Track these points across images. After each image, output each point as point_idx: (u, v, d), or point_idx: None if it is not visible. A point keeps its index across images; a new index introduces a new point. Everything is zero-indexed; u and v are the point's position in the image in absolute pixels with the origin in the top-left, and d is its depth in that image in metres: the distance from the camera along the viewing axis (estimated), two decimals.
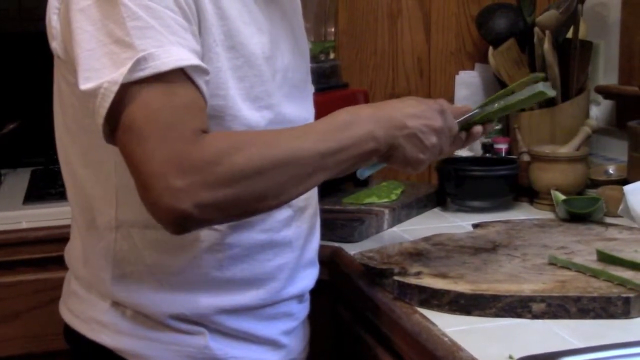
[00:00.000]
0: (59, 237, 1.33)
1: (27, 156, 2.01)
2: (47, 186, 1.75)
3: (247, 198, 0.88)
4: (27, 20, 2.11)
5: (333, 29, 1.91)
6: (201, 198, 0.85)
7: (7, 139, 1.90)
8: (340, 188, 1.66)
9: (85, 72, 0.88)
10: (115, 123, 0.87)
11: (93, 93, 0.87)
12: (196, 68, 0.90)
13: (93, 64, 0.87)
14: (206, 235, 1.02)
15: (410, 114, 1.00)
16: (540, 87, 1.15)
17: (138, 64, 0.86)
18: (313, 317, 1.23)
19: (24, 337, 1.53)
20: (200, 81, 0.90)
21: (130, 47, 0.86)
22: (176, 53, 0.88)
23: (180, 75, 0.88)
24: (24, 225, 1.55)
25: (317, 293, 1.22)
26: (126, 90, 0.86)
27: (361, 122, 0.97)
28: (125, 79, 0.85)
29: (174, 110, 0.87)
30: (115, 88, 0.85)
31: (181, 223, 0.87)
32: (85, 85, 0.87)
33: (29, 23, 2.10)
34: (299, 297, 1.15)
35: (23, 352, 1.53)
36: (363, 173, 1.05)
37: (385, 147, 0.98)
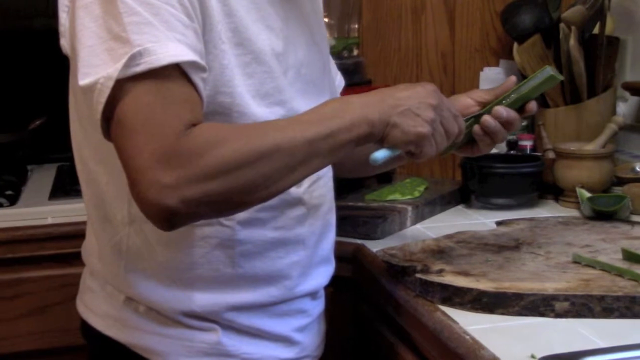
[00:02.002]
0: (84, 233, 1.35)
1: (53, 152, 2.03)
2: (72, 182, 1.75)
3: (234, 191, 0.87)
4: (54, 16, 2.13)
5: (357, 26, 1.91)
6: (187, 193, 0.84)
7: (33, 135, 1.92)
8: (363, 184, 1.66)
9: (84, 67, 0.88)
10: (110, 118, 0.88)
11: (90, 88, 0.88)
12: (192, 64, 0.89)
13: (92, 59, 0.88)
14: (217, 231, 1.02)
15: (403, 96, 0.98)
16: (549, 71, 1.14)
17: (133, 59, 0.86)
18: (334, 314, 1.23)
19: (50, 331, 1.54)
20: (196, 77, 0.90)
21: (127, 43, 0.86)
22: (172, 49, 0.88)
23: (176, 71, 0.88)
24: (50, 220, 1.57)
25: (339, 290, 1.22)
26: (121, 86, 0.86)
27: (351, 108, 0.95)
28: (120, 74, 0.86)
29: (165, 106, 0.87)
30: (111, 83, 0.86)
31: (168, 218, 0.86)
32: (83, 80, 0.88)
33: (56, 20, 2.12)
34: (312, 294, 1.15)
35: (48, 346, 1.55)
36: (375, 159, 1.00)
37: (380, 129, 0.96)
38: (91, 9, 0.89)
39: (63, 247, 1.52)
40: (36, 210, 1.59)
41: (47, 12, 2.12)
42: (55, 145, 2.03)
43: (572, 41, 1.66)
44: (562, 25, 1.70)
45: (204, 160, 0.85)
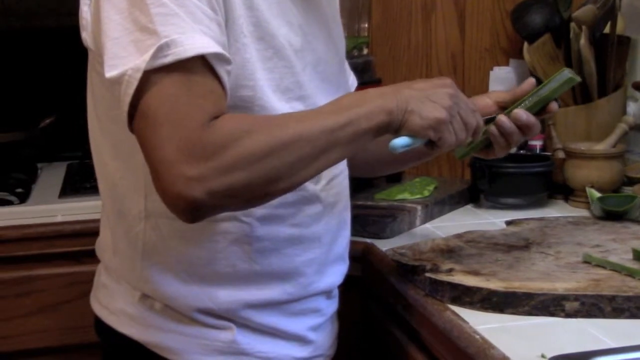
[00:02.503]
0: (94, 231, 1.35)
1: (63, 150, 2.04)
2: (82, 180, 1.77)
3: (258, 181, 0.88)
4: (63, 15, 2.14)
5: (366, 25, 1.91)
6: (212, 185, 0.85)
7: (43, 133, 1.93)
8: (372, 184, 1.66)
9: (110, 59, 0.89)
10: (135, 110, 0.88)
11: (118, 80, 0.88)
12: (217, 56, 0.90)
13: (119, 51, 0.88)
14: (234, 227, 1.03)
15: (419, 86, 0.99)
16: (567, 73, 1.14)
17: (161, 50, 0.86)
18: (344, 313, 1.23)
19: (60, 329, 1.55)
20: (220, 70, 0.90)
21: (154, 34, 0.87)
22: (199, 40, 0.88)
23: (201, 63, 0.89)
24: (60, 218, 1.58)
25: (348, 289, 1.22)
26: (148, 77, 0.87)
27: (369, 98, 0.96)
28: (148, 65, 0.86)
29: (190, 98, 0.87)
30: (139, 75, 0.86)
31: (193, 210, 0.87)
32: (110, 72, 0.88)
33: (65, 18, 2.13)
34: (327, 293, 1.15)
35: (59, 344, 1.55)
36: (394, 146, 0.99)
37: (398, 116, 0.96)
38: (115, 1, 0.90)
39: (73, 244, 1.53)
40: (46, 208, 1.60)
41: (58, 11, 2.13)
42: (65, 144, 2.04)
43: (583, 41, 1.66)
44: (572, 24, 1.69)
45: (228, 152, 0.85)
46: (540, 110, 1.14)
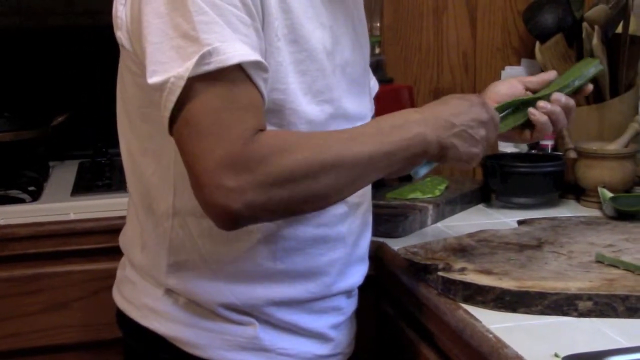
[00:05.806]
0: (107, 229, 1.35)
1: (75, 149, 2.04)
2: (94, 178, 1.77)
3: (296, 199, 0.90)
4: (76, 14, 2.15)
5: (378, 24, 1.91)
6: (252, 198, 0.87)
7: (55, 132, 1.93)
8: (384, 183, 1.66)
9: (152, 65, 0.90)
10: (176, 116, 0.89)
11: (160, 87, 0.89)
12: (256, 65, 0.91)
13: (160, 57, 0.89)
14: (262, 227, 1.03)
15: (457, 113, 1.02)
16: (599, 64, 1.22)
17: (203, 58, 0.87)
18: (357, 312, 1.23)
19: (74, 326, 1.55)
20: (258, 79, 0.92)
21: (196, 41, 0.88)
22: (240, 48, 0.89)
23: (241, 73, 0.90)
24: (72, 216, 1.58)
25: (361, 288, 1.22)
26: (191, 86, 0.88)
27: (410, 125, 0.98)
28: (191, 73, 0.87)
29: (232, 111, 0.88)
30: (182, 83, 0.87)
31: (231, 220, 0.89)
32: (152, 79, 0.89)
33: (78, 17, 2.14)
34: (347, 293, 1.16)
35: (73, 341, 1.56)
36: (418, 173, 1.06)
37: (436, 149, 0.99)
38: (156, 5, 0.91)
39: (85, 242, 1.53)
40: (58, 206, 1.60)
41: (72, 10, 2.14)
42: (77, 142, 2.04)
43: (595, 40, 1.65)
44: (585, 24, 1.69)
45: (268, 168, 0.87)
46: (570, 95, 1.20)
